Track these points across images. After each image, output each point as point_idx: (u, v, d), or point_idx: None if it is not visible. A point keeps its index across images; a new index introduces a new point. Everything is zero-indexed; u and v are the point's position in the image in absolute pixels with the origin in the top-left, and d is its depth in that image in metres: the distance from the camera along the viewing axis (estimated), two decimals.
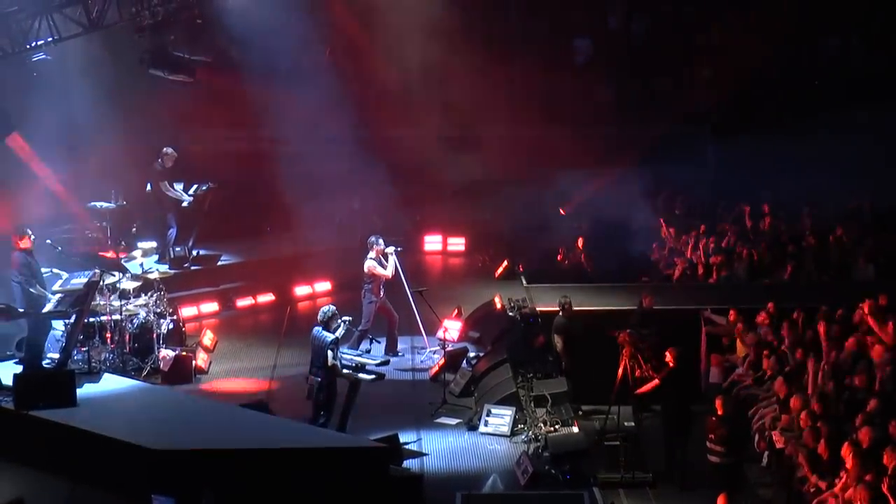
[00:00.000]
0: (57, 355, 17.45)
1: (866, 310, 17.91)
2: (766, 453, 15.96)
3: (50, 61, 20.68)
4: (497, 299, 21.09)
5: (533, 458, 15.92)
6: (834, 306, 18.81)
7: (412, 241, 25.45)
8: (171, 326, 19.33)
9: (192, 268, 22.60)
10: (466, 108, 27.08)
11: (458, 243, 26.76)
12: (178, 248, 22.16)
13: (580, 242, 24.06)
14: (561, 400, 17.44)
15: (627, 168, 26.25)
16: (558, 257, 24.12)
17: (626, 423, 17.08)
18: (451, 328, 19.87)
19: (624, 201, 25.35)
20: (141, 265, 20.08)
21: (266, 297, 22.93)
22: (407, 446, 16.55)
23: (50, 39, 19.10)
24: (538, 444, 16.56)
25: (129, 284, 18.98)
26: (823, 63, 28.71)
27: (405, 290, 20.29)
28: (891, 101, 26.28)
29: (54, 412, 15.49)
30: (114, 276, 18.74)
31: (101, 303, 18.35)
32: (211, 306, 22.25)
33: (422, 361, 20.07)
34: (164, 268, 21.58)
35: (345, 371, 16.34)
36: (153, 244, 21.77)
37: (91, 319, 18.12)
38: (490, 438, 17.15)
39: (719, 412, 15.29)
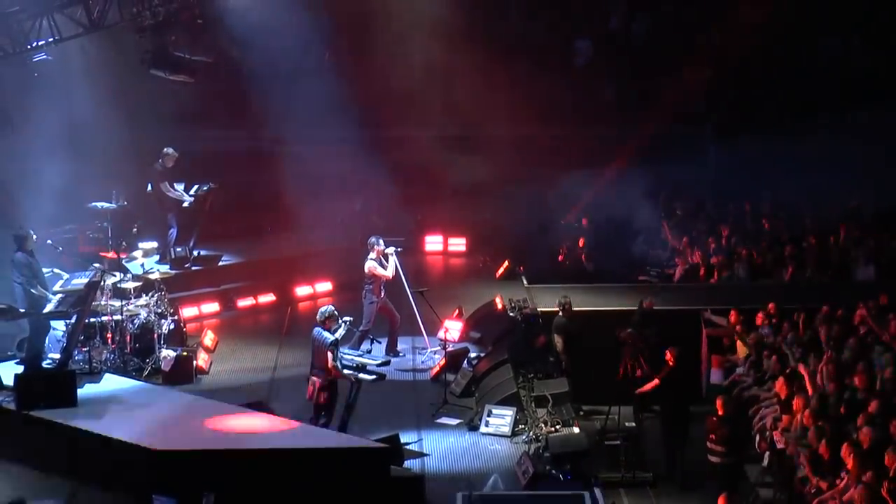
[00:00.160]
0: (58, 355, 17.47)
1: (866, 313, 17.96)
2: (767, 454, 15.95)
3: (51, 61, 20.67)
4: (498, 300, 21.10)
5: (534, 459, 15.92)
6: (834, 307, 18.83)
7: (413, 242, 25.46)
8: (172, 327, 19.32)
9: (193, 268, 22.59)
10: (467, 108, 27.05)
11: (458, 243, 26.78)
12: (178, 249, 22.15)
13: (581, 242, 24.07)
14: (562, 400, 17.45)
15: (628, 168, 26.25)
16: (559, 258, 24.14)
17: (626, 424, 17.10)
18: (452, 328, 19.88)
19: (624, 201, 25.37)
20: (142, 265, 20.08)
21: (267, 298, 22.93)
22: (408, 446, 16.56)
23: (51, 40, 19.10)
24: (539, 444, 16.56)
25: (130, 285, 18.99)
26: (824, 63, 28.69)
27: (406, 291, 20.29)
28: (891, 101, 26.28)
29: (55, 412, 15.54)
30: (115, 276, 18.75)
31: (102, 303, 18.35)
32: (212, 306, 22.25)
33: (423, 362, 20.07)
34: (165, 268, 21.57)
35: (346, 371, 16.34)
36: (154, 244, 21.76)
37: (92, 320, 18.12)
38: (491, 439, 17.16)
39: (720, 412, 15.30)
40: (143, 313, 18.91)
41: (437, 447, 16.89)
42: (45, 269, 17.87)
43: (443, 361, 19.24)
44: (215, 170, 23.88)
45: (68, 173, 21.58)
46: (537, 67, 27.27)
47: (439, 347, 19.57)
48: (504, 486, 15.55)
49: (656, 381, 16.70)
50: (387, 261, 19.77)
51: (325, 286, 23.33)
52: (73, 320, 17.30)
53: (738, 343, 18.86)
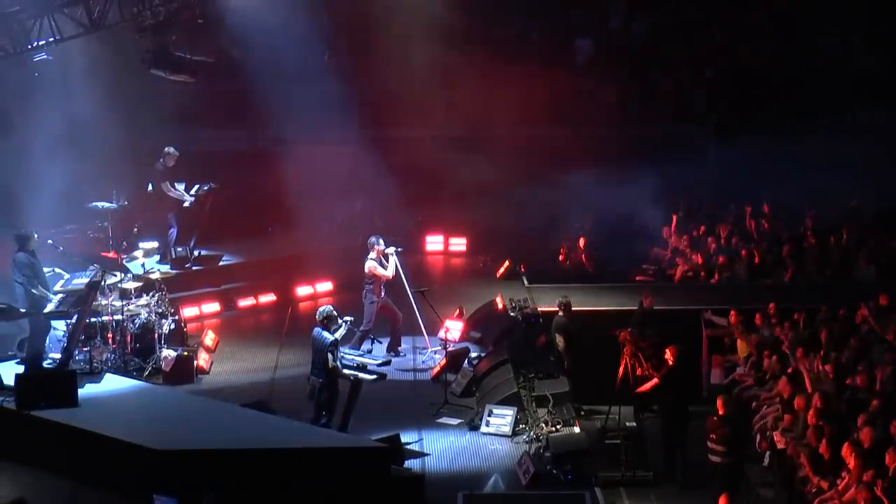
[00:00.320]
0: (58, 355, 17.46)
1: (868, 312, 17.98)
2: (768, 453, 15.96)
3: (51, 61, 20.68)
4: (498, 299, 21.10)
5: (534, 458, 15.92)
6: (835, 307, 18.83)
7: (414, 242, 25.46)
8: (172, 327, 19.31)
9: (194, 268, 22.60)
10: (467, 108, 27.10)
11: (459, 243, 26.76)
12: (179, 249, 22.16)
13: (581, 242, 24.07)
14: (562, 400, 17.45)
15: (628, 168, 26.23)
16: (560, 257, 24.13)
17: (627, 423, 17.11)
18: (453, 328, 19.90)
19: (625, 201, 25.36)
20: (142, 265, 20.07)
21: (268, 298, 22.93)
22: (408, 446, 16.56)
23: (51, 39, 19.08)
24: (540, 444, 16.56)
25: (130, 285, 18.98)
26: (824, 63, 28.69)
27: (406, 291, 20.29)
28: (891, 101, 26.29)
29: (56, 412, 15.52)
30: (115, 276, 18.75)
31: (103, 303, 18.35)
32: (212, 306, 22.25)
33: (423, 361, 20.07)
34: (166, 268, 21.58)
35: (346, 371, 16.35)
36: (155, 244, 21.76)
37: (93, 320, 18.11)
38: (491, 438, 17.15)
39: (720, 412, 15.29)
40: (144, 313, 18.91)
41: (438, 447, 16.89)
42: (46, 269, 17.86)
43: (443, 361, 19.24)
44: (216, 170, 23.88)
45: (69, 173, 21.58)
46: (538, 67, 27.27)
47: (440, 347, 19.58)
48: (505, 486, 15.59)
49: (656, 380, 16.71)
50: (387, 261, 19.78)
51: (325, 286, 23.32)
52: (73, 320, 17.30)
53: (739, 343, 18.87)
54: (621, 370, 17.34)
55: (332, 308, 16.42)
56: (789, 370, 17.15)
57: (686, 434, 16.33)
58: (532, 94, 26.53)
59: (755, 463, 16.10)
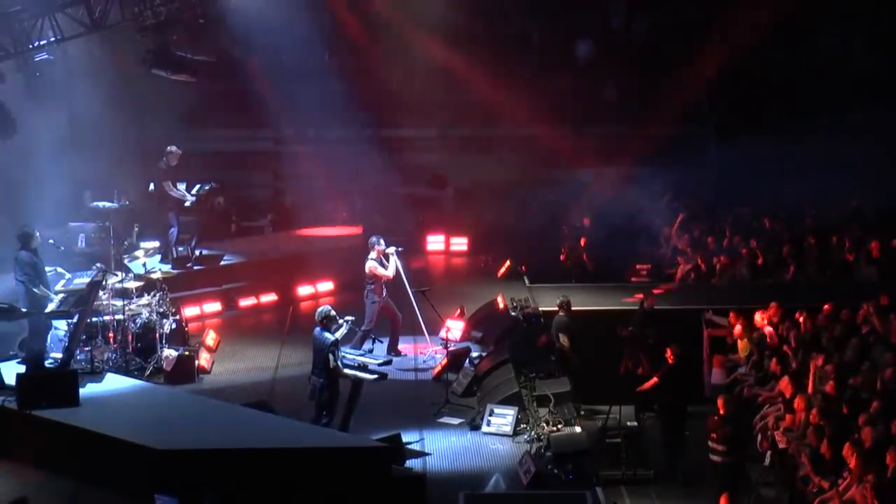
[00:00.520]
0: (60, 355, 17.47)
1: (871, 311, 18.00)
2: (769, 453, 15.97)
3: (53, 61, 20.69)
4: (500, 299, 21.11)
5: (535, 458, 15.91)
6: (836, 306, 18.84)
7: (415, 241, 25.47)
8: (173, 326, 19.30)
9: (195, 267, 22.58)
10: (468, 108, 27.12)
11: (460, 243, 26.77)
12: (180, 248, 22.15)
13: (582, 242, 24.08)
14: (564, 399, 17.45)
15: (629, 168, 26.26)
16: (561, 257, 24.14)
17: (628, 423, 17.14)
18: (454, 328, 19.88)
19: (626, 201, 25.39)
20: (144, 265, 20.08)
21: (269, 297, 22.92)
22: (409, 446, 16.54)
23: (53, 39, 19.12)
24: (541, 443, 16.54)
25: (131, 284, 18.99)
26: (825, 63, 28.71)
27: (407, 290, 20.29)
28: (892, 101, 26.30)
29: (57, 412, 15.53)
30: (116, 275, 18.76)
31: (104, 302, 18.36)
32: (214, 306, 22.24)
33: (424, 361, 20.06)
34: (167, 267, 21.57)
35: (347, 371, 16.35)
36: (156, 244, 21.77)
37: (94, 319, 18.11)
38: (493, 438, 17.14)
39: (721, 411, 15.30)
40: (145, 313, 18.90)
41: (439, 447, 16.88)
42: (47, 269, 17.86)
43: (444, 361, 19.24)
44: (217, 169, 23.90)
45: (70, 173, 21.62)
46: (539, 67, 27.30)
47: (441, 347, 19.59)
48: (506, 486, 15.56)
49: (655, 379, 16.75)
50: (387, 260, 19.79)
51: (326, 286, 23.32)
52: (75, 320, 17.30)
53: (740, 342, 18.87)
54: (622, 369, 17.36)
55: (330, 308, 16.41)
56: (790, 370, 17.15)
57: (683, 433, 16.36)
58: (533, 94, 26.54)
59: (756, 462, 16.10)
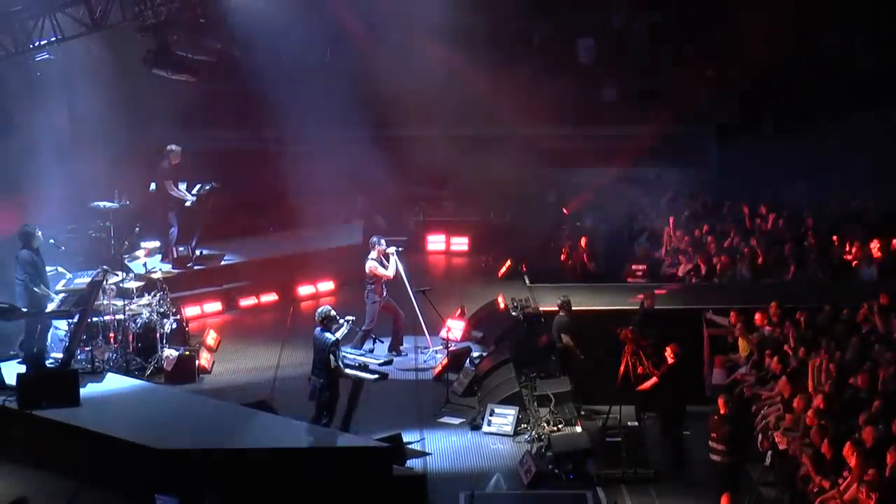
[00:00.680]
0: (60, 355, 17.47)
1: (869, 312, 17.99)
2: (770, 453, 15.95)
3: (53, 61, 20.68)
4: (500, 299, 21.10)
5: (536, 458, 15.94)
6: (836, 306, 18.83)
7: (416, 241, 25.46)
8: (174, 326, 19.32)
9: (196, 267, 22.57)
10: (470, 108, 27.09)
11: (461, 243, 26.76)
12: (181, 248, 22.14)
13: (583, 242, 24.08)
14: (564, 399, 17.46)
15: (630, 168, 26.25)
16: (561, 257, 24.13)
17: (628, 423, 17.14)
18: (455, 328, 19.90)
19: (627, 201, 25.38)
20: (144, 265, 20.08)
21: (269, 297, 22.93)
22: (410, 446, 16.57)
23: (53, 39, 19.11)
24: (541, 443, 16.57)
25: (132, 284, 18.99)
26: (827, 63, 28.70)
27: (407, 290, 20.29)
28: (893, 101, 26.30)
29: (58, 412, 15.56)
30: (117, 275, 18.76)
31: (105, 302, 18.36)
32: (214, 306, 22.26)
33: (425, 361, 20.07)
34: (168, 267, 21.57)
35: (348, 371, 16.35)
36: (156, 244, 21.77)
37: (94, 319, 18.13)
38: (493, 438, 17.16)
39: (721, 411, 15.28)
40: (146, 313, 18.91)
41: (440, 446, 16.89)
42: (48, 268, 17.87)
43: (445, 361, 19.25)
44: (217, 169, 23.87)
45: (70, 173, 21.59)
46: (540, 67, 27.29)
47: (441, 347, 19.58)
48: (506, 486, 15.58)
49: (655, 378, 16.75)
50: (388, 260, 19.79)
51: (327, 285, 23.32)
52: (75, 320, 17.30)
53: (741, 342, 18.86)
54: (622, 368, 17.36)
55: (330, 308, 16.41)
56: (790, 369, 17.14)
57: (682, 433, 16.37)
58: (534, 94, 26.53)
59: (757, 462, 16.08)
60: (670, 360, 16.59)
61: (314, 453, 14.96)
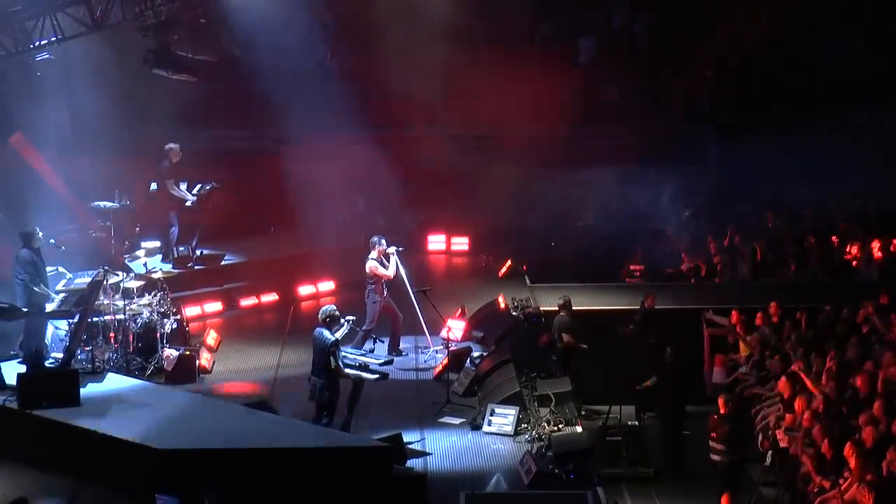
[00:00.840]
0: (60, 355, 17.47)
1: (872, 311, 17.99)
2: (770, 453, 15.96)
3: (53, 61, 20.69)
4: (501, 299, 21.11)
5: (536, 458, 15.92)
6: (837, 306, 18.84)
7: (416, 241, 25.46)
8: (174, 326, 19.32)
9: (196, 267, 22.60)
10: (470, 108, 27.09)
11: (461, 243, 26.77)
12: (181, 248, 22.16)
13: (583, 242, 24.08)
14: (565, 399, 17.45)
15: (630, 168, 26.24)
16: (562, 257, 24.13)
17: (628, 423, 17.15)
18: (455, 328, 19.89)
19: (627, 201, 25.37)
20: (144, 265, 20.08)
21: (270, 297, 22.93)
22: (410, 446, 16.55)
23: (53, 39, 19.12)
24: (542, 443, 16.56)
25: (132, 284, 18.99)
26: (825, 63, 28.70)
27: (408, 290, 20.29)
28: (893, 101, 26.30)
29: (58, 412, 15.54)
30: (117, 275, 18.76)
31: (105, 302, 18.35)
32: (214, 306, 22.26)
33: (425, 361, 20.08)
34: (168, 267, 21.58)
35: (348, 370, 16.35)
36: (157, 244, 21.78)
37: (95, 319, 18.11)
38: (494, 438, 17.15)
39: (722, 410, 15.28)
40: (146, 312, 18.91)
41: (440, 446, 16.89)
42: (48, 268, 17.87)
43: (445, 360, 19.24)
44: (218, 169, 23.87)
45: (71, 172, 21.59)
46: (540, 67, 27.26)
47: (442, 346, 19.59)
48: (507, 486, 15.57)
49: (655, 377, 16.77)
50: (388, 260, 19.79)
51: (327, 285, 23.32)
52: (75, 319, 17.30)
53: (741, 342, 18.87)
54: (622, 368, 17.39)
55: (335, 308, 16.42)
56: (790, 369, 17.14)
57: (681, 432, 16.38)
58: (535, 94, 26.51)
59: (757, 462, 16.08)
60: (670, 360, 16.60)
61: (314, 453, 14.94)
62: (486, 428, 17.32)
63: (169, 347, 18.91)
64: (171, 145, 21.91)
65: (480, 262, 25.70)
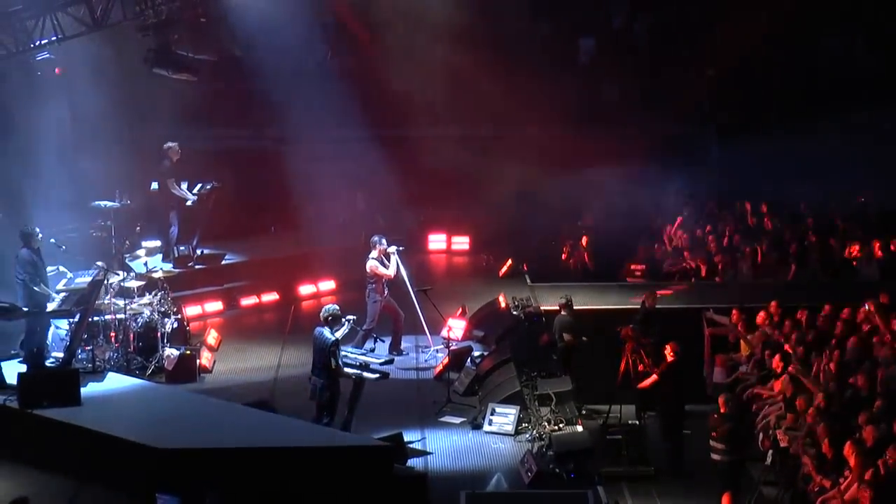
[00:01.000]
0: (61, 354, 17.48)
1: (872, 310, 17.97)
2: (771, 452, 15.96)
3: (54, 60, 20.68)
4: (501, 298, 21.10)
5: (537, 457, 15.92)
6: (837, 306, 18.83)
7: (416, 240, 25.46)
8: (175, 325, 19.32)
9: (197, 267, 22.60)
10: (470, 108, 27.10)
11: (462, 242, 26.78)
12: (182, 248, 22.16)
13: (584, 241, 24.07)
14: (565, 399, 17.45)
15: (631, 168, 26.23)
16: (563, 256, 24.13)
17: (629, 422, 17.15)
18: (456, 327, 19.88)
19: (627, 201, 25.36)
20: (145, 264, 20.08)
21: (270, 296, 22.94)
22: (411, 445, 16.56)
23: (54, 38, 19.12)
24: (542, 442, 16.56)
25: (133, 283, 19.00)
26: (826, 63, 28.71)
27: (409, 289, 20.29)
28: (893, 101, 26.30)
29: (59, 411, 15.56)
30: (118, 275, 18.76)
31: (106, 302, 18.36)
32: (215, 305, 22.27)
33: (426, 360, 20.09)
34: (169, 267, 21.59)
35: (349, 370, 16.35)
36: (157, 243, 21.78)
37: (95, 318, 18.12)
38: (494, 437, 17.15)
39: (722, 410, 15.27)
40: (147, 312, 18.91)
41: (441, 446, 16.89)
42: (49, 268, 17.87)
43: (446, 360, 19.25)
44: (218, 168, 23.88)
45: (71, 172, 21.59)
46: (541, 67, 27.28)
47: (442, 346, 19.59)
48: (507, 485, 15.57)
49: (655, 376, 16.77)
50: (388, 260, 19.79)
51: (328, 285, 23.33)
52: (76, 319, 17.30)
53: (742, 341, 18.86)
54: (622, 367, 17.37)
55: (337, 308, 16.42)
56: (791, 369, 17.13)
57: (681, 431, 16.39)
58: (535, 94, 26.52)
59: (758, 461, 16.08)
60: (670, 359, 16.60)
61: (315, 452, 14.95)
62: (486, 427, 17.33)
63: (169, 347, 18.91)
64: (170, 144, 21.91)
65: (481, 262, 25.71)
